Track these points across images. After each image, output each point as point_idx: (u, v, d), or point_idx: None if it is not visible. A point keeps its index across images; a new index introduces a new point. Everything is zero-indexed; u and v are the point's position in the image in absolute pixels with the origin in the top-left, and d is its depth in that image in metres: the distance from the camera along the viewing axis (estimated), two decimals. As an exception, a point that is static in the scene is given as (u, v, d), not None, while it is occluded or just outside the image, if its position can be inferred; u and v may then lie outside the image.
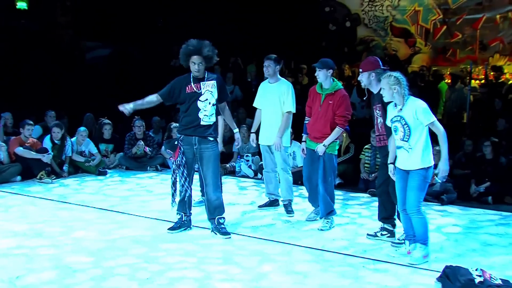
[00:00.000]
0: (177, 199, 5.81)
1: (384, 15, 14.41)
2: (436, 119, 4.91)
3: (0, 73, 11.66)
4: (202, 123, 5.62)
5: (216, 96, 5.67)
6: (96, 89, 12.30)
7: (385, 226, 5.70)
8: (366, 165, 8.36)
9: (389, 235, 5.66)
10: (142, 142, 9.57)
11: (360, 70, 5.54)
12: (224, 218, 5.80)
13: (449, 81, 11.91)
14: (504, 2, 13.01)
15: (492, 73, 11.78)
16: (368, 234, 5.82)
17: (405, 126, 4.91)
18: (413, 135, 4.90)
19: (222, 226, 5.76)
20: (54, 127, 8.96)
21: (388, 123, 5.13)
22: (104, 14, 12.88)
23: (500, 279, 4.47)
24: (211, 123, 5.66)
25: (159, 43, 13.39)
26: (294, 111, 6.59)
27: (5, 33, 11.98)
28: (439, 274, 4.62)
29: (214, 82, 5.66)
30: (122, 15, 12.94)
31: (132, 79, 12.80)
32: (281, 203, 6.86)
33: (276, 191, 6.91)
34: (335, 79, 6.21)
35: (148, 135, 9.80)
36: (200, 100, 5.61)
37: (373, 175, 8.04)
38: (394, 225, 5.66)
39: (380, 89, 5.20)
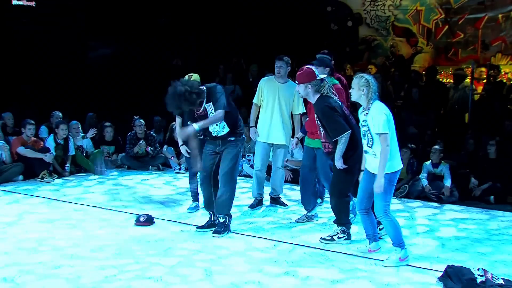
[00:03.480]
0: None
1: (386, 15, 14.37)
2: (387, 133, 4.76)
3: (2, 73, 11.67)
4: (218, 136, 5.66)
5: None
6: (98, 89, 12.31)
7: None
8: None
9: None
10: (144, 142, 9.58)
11: (296, 82, 5.50)
12: (224, 217, 5.75)
13: (452, 80, 11.90)
14: (506, 1, 12.97)
15: (490, 71, 11.77)
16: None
17: (368, 132, 4.90)
18: (375, 142, 4.85)
19: (220, 224, 5.74)
20: (60, 124, 8.94)
21: (361, 128, 5.08)
22: (106, 13, 12.87)
23: (502, 278, 4.48)
24: (227, 131, 5.65)
25: (161, 43, 13.39)
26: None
27: (8, 33, 11.99)
28: (441, 273, 4.62)
29: (210, 104, 5.54)
30: (124, 14, 12.94)
31: (135, 78, 12.80)
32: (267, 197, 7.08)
33: (263, 190, 7.02)
34: (332, 77, 6.16)
35: (149, 134, 9.80)
36: None
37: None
38: None
39: (318, 98, 5.32)
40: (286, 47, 13.41)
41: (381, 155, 4.78)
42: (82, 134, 9.39)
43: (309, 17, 14.29)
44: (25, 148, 8.47)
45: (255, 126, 6.92)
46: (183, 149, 6.62)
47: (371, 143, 4.90)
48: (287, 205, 7.01)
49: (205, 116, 5.54)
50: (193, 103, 5.33)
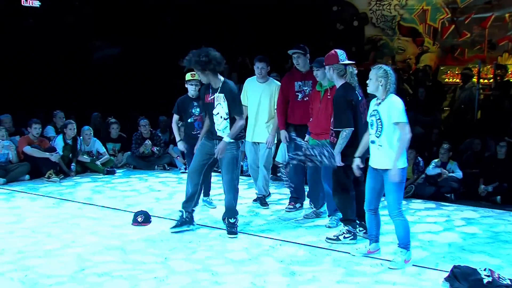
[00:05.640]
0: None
1: (392, 14, 14.35)
2: (406, 122, 4.76)
3: (8, 72, 11.71)
4: (218, 134, 5.67)
5: (226, 109, 5.61)
6: (104, 89, 12.34)
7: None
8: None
9: None
10: (150, 142, 9.59)
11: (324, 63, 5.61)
12: (235, 218, 5.80)
13: (459, 80, 11.88)
14: (513, 1, 12.93)
15: (497, 71, 11.73)
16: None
17: (378, 121, 4.84)
18: (384, 132, 4.81)
19: (231, 225, 5.79)
20: (69, 124, 8.96)
21: (368, 118, 5.04)
22: (112, 13, 12.90)
23: (508, 279, 4.46)
24: (228, 132, 5.64)
25: (167, 43, 13.41)
26: None
27: (13, 32, 12.03)
28: (447, 274, 4.60)
29: (223, 96, 5.60)
30: (130, 14, 12.96)
31: (140, 78, 12.82)
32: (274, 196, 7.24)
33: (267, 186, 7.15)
34: None
35: (155, 134, 9.81)
36: (213, 114, 5.65)
37: None
38: None
39: (341, 85, 5.39)
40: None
41: (400, 143, 4.74)
42: (94, 139, 9.41)
43: (314, 16, 14.28)
44: (32, 148, 8.50)
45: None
46: (180, 145, 6.80)
47: (380, 132, 4.83)
48: (267, 206, 6.96)
49: (212, 104, 5.60)
50: (199, 64, 5.43)
